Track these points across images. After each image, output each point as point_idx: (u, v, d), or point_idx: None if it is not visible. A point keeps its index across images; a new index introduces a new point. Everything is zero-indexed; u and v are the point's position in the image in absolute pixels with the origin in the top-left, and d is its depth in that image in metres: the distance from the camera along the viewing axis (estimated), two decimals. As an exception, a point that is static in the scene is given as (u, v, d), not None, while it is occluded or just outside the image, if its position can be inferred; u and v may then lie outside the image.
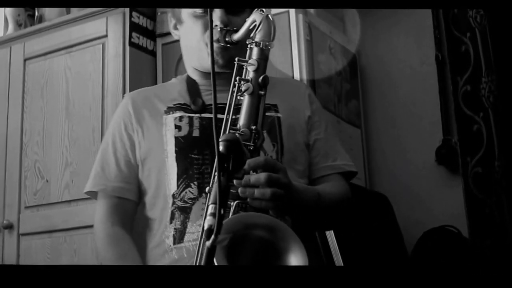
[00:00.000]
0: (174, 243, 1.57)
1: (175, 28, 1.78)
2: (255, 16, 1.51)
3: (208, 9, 1.48)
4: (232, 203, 1.39)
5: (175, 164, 1.62)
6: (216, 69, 1.64)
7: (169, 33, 2.84)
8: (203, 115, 1.65)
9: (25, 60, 3.04)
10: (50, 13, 3.09)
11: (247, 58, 1.51)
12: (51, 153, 2.87)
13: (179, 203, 1.59)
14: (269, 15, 1.51)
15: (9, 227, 2.88)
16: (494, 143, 2.55)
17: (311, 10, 2.72)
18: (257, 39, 1.51)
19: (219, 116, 1.48)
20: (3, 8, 3.23)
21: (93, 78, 2.84)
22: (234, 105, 1.48)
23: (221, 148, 1.18)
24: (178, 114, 1.66)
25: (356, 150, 2.90)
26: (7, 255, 2.86)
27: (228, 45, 1.60)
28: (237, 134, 1.44)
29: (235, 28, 1.59)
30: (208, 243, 1.09)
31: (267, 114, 1.63)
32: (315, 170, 1.70)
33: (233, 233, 1.29)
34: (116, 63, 2.80)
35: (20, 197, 2.90)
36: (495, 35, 2.59)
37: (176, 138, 1.63)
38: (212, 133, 1.17)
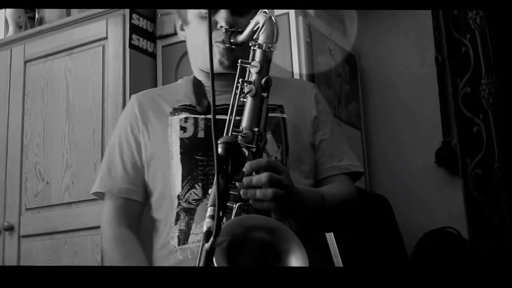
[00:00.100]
0: (178, 244, 1.57)
1: (181, 29, 1.77)
2: (259, 18, 1.51)
3: (208, 10, 1.47)
4: (234, 205, 1.38)
5: (180, 165, 1.61)
6: (221, 70, 1.64)
7: (169, 35, 2.88)
8: (208, 116, 1.65)
9: (25, 62, 3.05)
10: (51, 15, 3.09)
11: (250, 60, 1.51)
12: (51, 155, 2.87)
13: (184, 205, 1.59)
14: (272, 17, 1.50)
15: (10, 229, 2.88)
16: (494, 145, 2.55)
17: (311, 12, 2.71)
18: (260, 41, 1.50)
19: (224, 117, 1.49)
20: (4, 10, 3.23)
21: (93, 80, 2.84)
22: (237, 107, 1.48)
23: (219, 150, 1.17)
24: (183, 115, 1.66)
25: (356, 151, 2.87)
26: (7, 257, 2.86)
27: (233, 46, 1.60)
28: (239, 136, 1.43)
29: (240, 29, 1.58)
30: (207, 245, 1.09)
31: (272, 115, 1.62)
32: (320, 170, 1.69)
33: (233, 235, 1.29)
34: (116, 65, 2.80)
35: (21, 199, 2.90)
36: (495, 37, 2.59)
37: (181, 139, 1.63)
38: (217, 135, 1.16)
